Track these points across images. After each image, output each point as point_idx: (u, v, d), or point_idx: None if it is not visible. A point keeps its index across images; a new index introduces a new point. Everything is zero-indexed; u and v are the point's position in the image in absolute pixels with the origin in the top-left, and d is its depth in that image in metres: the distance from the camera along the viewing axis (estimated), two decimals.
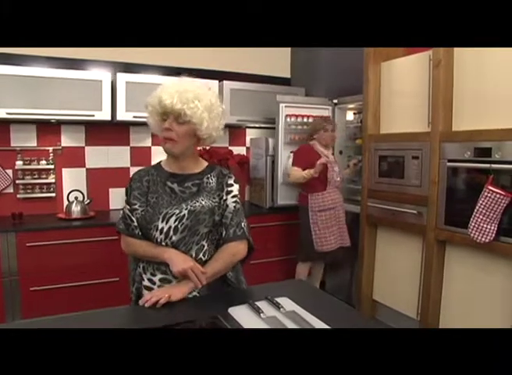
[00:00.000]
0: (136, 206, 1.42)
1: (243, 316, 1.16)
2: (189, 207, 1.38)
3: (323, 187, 2.93)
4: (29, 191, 2.94)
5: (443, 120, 2.31)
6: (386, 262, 2.86)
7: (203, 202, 1.40)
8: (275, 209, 3.40)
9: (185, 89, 1.35)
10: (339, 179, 2.99)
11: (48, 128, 2.98)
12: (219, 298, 1.34)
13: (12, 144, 2.90)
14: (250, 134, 3.84)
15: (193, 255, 1.39)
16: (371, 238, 2.93)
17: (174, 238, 1.38)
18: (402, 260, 2.70)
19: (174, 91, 1.34)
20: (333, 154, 3.22)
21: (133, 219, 1.42)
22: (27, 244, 2.53)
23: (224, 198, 1.46)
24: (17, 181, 2.90)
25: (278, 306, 1.21)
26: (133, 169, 3.34)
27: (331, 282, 3.55)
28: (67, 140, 3.08)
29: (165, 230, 1.38)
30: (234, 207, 1.47)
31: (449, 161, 2.27)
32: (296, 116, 3.33)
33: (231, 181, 1.49)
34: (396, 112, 2.70)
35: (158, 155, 3.44)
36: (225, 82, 3.31)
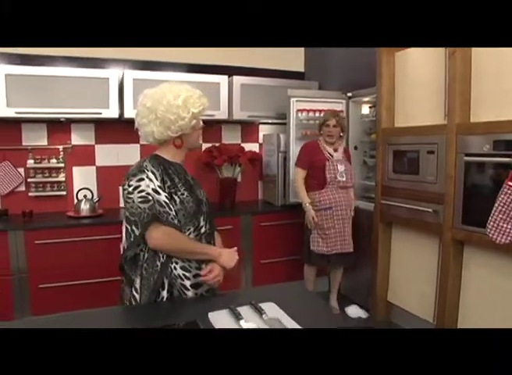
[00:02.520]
0: (181, 192, 1.38)
1: (222, 322, 1.09)
2: (204, 195, 1.52)
3: (320, 186, 2.82)
4: (40, 189, 2.98)
5: (460, 111, 2.15)
6: (402, 262, 2.71)
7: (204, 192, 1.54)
8: (287, 207, 3.31)
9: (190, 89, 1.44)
10: (344, 178, 2.82)
11: (58, 127, 3.00)
12: (203, 301, 1.28)
13: (23, 143, 2.94)
14: (263, 130, 3.76)
15: (216, 239, 1.57)
16: (386, 237, 2.79)
17: (210, 221, 1.50)
18: (418, 261, 2.55)
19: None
20: (346, 150, 3.04)
21: (171, 206, 1.34)
22: (36, 242, 2.55)
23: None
24: (29, 180, 2.94)
25: (261, 312, 1.13)
26: None
27: (347, 283, 3.43)
28: (77, 138, 3.09)
29: (205, 214, 1.47)
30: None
31: (467, 155, 2.11)
32: (308, 111, 3.22)
33: None
34: (412, 105, 2.55)
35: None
36: (235, 77, 3.23)
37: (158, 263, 1.36)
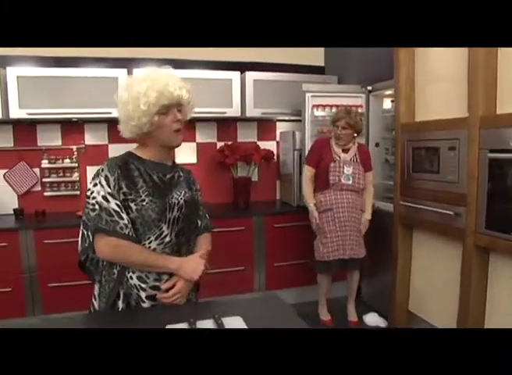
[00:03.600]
0: (141, 199, 1.24)
1: None
2: (182, 197, 1.35)
3: (325, 187, 2.65)
4: (55, 188, 3.02)
5: (484, 103, 1.92)
6: (424, 269, 2.49)
7: (189, 193, 1.40)
8: (303, 208, 3.14)
9: (169, 75, 1.30)
10: (349, 181, 2.60)
11: (71, 127, 3.03)
12: (164, 311, 1.18)
13: (38, 144, 2.99)
14: (281, 128, 3.62)
15: (192, 245, 1.42)
16: (406, 242, 2.57)
17: (177, 229, 1.33)
18: (440, 268, 2.32)
19: (171, 80, 1.28)
20: (362, 150, 2.76)
21: (123, 215, 1.20)
22: (45, 242, 2.57)
23: (194, 191, 1.46)
24: (44, 179, 2.99)
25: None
26: None
27: (368, 288, 3.23)
28: (90, 138, 3.11)
29: (171, 220, 1.31)
30: (201, 199, 1.50)
31: (492, 151, 1.87)
32: (325, 106, 3.05)
33: (195, 178, 1.51)
34: (433, 97, 2.32)
35: (182, 151, 3.36)
36: (247, 73, 3.12)
37: (115, 271, 1.26)
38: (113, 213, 1.20)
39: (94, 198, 1.22)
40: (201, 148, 3.43)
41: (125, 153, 1.35)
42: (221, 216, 3.08)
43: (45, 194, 3.00)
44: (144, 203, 1.24)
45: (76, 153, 3.03)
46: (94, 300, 1.34)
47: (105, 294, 1.28)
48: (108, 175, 1.23)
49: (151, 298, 1.27)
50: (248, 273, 3.08)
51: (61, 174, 3.00)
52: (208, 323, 1.05)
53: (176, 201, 1.33)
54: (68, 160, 2.99)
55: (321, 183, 2.65)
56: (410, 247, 2.57)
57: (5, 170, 2.93)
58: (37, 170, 2.99)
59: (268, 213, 3.14)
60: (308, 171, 2.71)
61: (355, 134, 2.63)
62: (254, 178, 3.53)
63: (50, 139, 3.01)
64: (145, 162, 1.31)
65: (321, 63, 3.64)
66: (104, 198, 1.21)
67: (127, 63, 2.94)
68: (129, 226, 1.22)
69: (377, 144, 3.13)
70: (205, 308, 1.23)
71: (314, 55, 3.59)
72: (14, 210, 2.84)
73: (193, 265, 1.29)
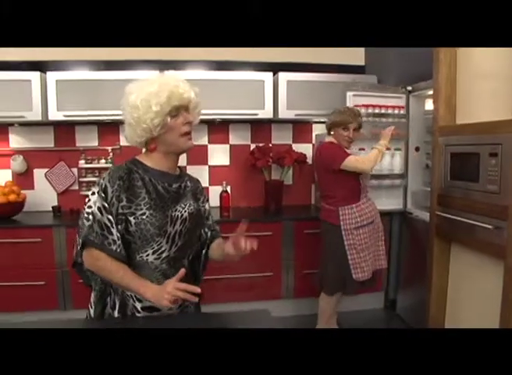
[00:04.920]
0: (141, 212, 1.21)
1: None
2: (187, 209, 1.31)
3: (356, 197, 2.36)
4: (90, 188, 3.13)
5: None
6: (461, 287, 2.25)
7: (194, 205, 1.35)
8: None
9: (177, 78, 1.28)
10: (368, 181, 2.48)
11: (107, 128, 3.13)
12: (147, 323, 1.14)
13: (76, 145, 3.12)
14: (317, 130, 3.49)
15: (190, 258, 1.38)
16: (443, 256, 2.34)
17: (179, 243, 1.29)
18: (479, 288, 2.09)
19: (179, 82, 1.26)
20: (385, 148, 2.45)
21: (113, 230, 1.18)
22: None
23: (202, 202, 1.43)
24: (80, 179, 3.11)
25: None
26: (190, 168, 3.36)
27: (403, 302, 3.01)
28: (125, 139, 3.18)
29: (171, 235, 1.27)
30: (209, 209, 1.47)
31: None
32: (367, 106, 2.84)
33: (203, 188, 1.47)
34: (477, 98, 2.09)
35: (215, 154, 3.36)
36: (280, 74, 3.04)
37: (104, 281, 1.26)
38: (104, 227, 1.18)
39: (90, 207, 1.21)
40: (234, 150, 3.40)
41: (130, 160, 1.31)
42: (249, 219, 3.02)
43: (81, 193, 3.13)
44: (144, 217, 1.21)
45: (111, 154, 3.12)
46: (90, 307, 1.32)
47: (99, 301, 1.28)
48: (108, 185, 1.21)
49: (146, 309, 1.24)
50: (275, 279, 2.99)
51: (96, 174, 3.11)
52: None
53: (180, 215, 1.28)
54: (103, 161, 3.09)
55: (350, 191, 2.37)
56: (447, 262, 2.34)
57: (47, 169, 3.10)
58: (74, 170, 3.12)
59: (299, 219, 3.02)
60: (355, 156, 2.36)
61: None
62: (288, 182, 3.43)
63: (87, 140, 3.14)
64: (150, 171, 1.27)
65: (362, 62, 3.46)
66: (99, 209, 1.19)
67: (161, 66, 2.97)
68: (118, 242, 1.19)
69: (417, 149, 2.91)
70: (187, 321, 1.17)
71: (354, 54, 3.41)
72: (52, 207, 2.99)
73: (159, 292, 1.14)
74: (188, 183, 1.37)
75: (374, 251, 2.42)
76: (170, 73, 1.30)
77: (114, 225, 1.18)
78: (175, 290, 1.11)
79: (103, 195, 1.20)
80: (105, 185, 1.21)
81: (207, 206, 1.44)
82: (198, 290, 1.12)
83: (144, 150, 1.32)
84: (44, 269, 2.68)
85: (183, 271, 1.16)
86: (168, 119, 1.22)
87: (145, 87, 1.22)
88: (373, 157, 2.33)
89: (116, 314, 1.24)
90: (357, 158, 2.35)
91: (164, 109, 1.20)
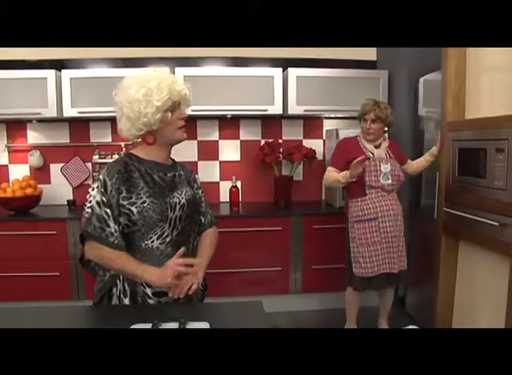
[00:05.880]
0: (142, 201, 1.27)
1: None
2: (184, 196, 1.38)
3: (363, 192, 2.32)
4: None
5: None
6: (469, 285, 2.23)
7: (190, 191, 1.42)
8: None
9: (172, 74, 1.37)
10: (389, 181, 2.29)
11: None
12: (138, 310, 1.19)
13: (91, 140, 3.21)
14: (328, 126, 3.48)
15: (193, 243, 1.47)
16: (451, 253, 2.32)
17: (180, 227, 1.36)
18: (485, 286, 2.06)
19: (175, 79, 1.34)
20: (392, 144, 2.45)
21: (110, 223, 1.24)
22: None
23: (195, 189, 1.49)
24: (94, 174, 3.20)
25: None
26: (201, 163, 3.41)
27: (412, 299, 2.99)
28: None
29: (172, 219, 1.34)
30: (203, 196, 1.54)
31: None
32: None
33: (196, 176, 1.55)
34: (487, 92, 2.06)
35: (226, 149, 3.39)
36: (290, 69, 3.04)
37: (108, 273, 1.33)
38: (102, 220, 1.24)
39: (90, 202, 1.28)
40: (245, 146, 3.42)
41: (124, 154, 1.40)
42: (257, 214, 3.06)
43: None
44: (145, 205, 1.27)
45: (124, 149, 3.20)
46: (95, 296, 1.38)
47: (101, 288, 1.35)
48: (107, 179, 1.27)
49: (156, 294, 1.31)
50: (284, 274, 3.01)
51: None
52: (170, 326, 1.03)
53: (178, 201, 1.35)
54: (116, 156, 3.16)
55: (357, 187, 2.31)
56: (455, 259, 2.31)
57: (62, 164, 3.20)
58: (89, 165, 3.21)
59: (309, 214, 3.03)
60: (329, 171, 2.35)
61: (385, 128, 2.36)
62: (298, 177, 3.44)
63: (101, 136, 3.22)
64: (145, 163, 1.34)
65: (374, 57, 3.43)
66: (97, 203, 1.25)
67: (175, 62, 3.02)
68: (116, 234, 1.25)
69: None
70: (180, 310, 1.20)
71: (365, 49, 3.38)
72: (67, 201, 3.09)
73: (162, 273, 1.24)
74: (181, 172, 1.44)
75: (383, 253, 2.32)
76: (163, 70, 1.37)
77: (112, 218, 1.24)
78: (175, 265, 1.21)
79: (102, 190, 1.26)
80: (104, 180, 1.27)
81: (200, 192, 1.52)
82: (197, 261, 1.31)
83: (138, 142, 1.38)
84: (59, 260, 2.78)
85: (182, 250, 1.25)
86: (169, 114, 1.30)
87: (144, 82, 1.28)
88: (332, 179, 2.32)
89: (128, 301, 1.30)
90: (329, 169, 2.37)
91: (166, 104, 1.28)
